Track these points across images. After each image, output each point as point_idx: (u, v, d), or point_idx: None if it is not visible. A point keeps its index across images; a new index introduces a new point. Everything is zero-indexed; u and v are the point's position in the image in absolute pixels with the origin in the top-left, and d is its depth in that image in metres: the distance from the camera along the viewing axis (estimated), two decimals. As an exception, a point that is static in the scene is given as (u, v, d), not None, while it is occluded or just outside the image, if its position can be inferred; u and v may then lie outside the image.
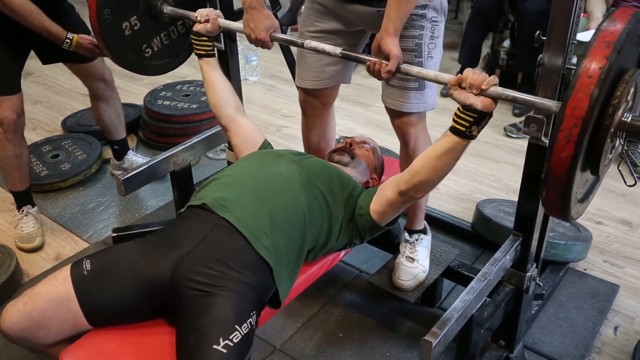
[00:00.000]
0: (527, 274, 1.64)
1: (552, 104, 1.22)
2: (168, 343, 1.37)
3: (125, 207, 2.67)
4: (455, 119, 1.32)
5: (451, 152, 1.36)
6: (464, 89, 1.29)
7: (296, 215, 1.51)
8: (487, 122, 1.31)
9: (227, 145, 2.36)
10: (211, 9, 1.84)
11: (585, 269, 2.24)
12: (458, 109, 1.31)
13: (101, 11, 1.83)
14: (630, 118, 1.12)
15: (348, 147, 1.87)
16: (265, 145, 1.84)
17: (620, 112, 1.10)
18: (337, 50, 1.54)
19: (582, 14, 1.31)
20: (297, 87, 1.94)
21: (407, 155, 1.75)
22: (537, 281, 1.69)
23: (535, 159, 1.46)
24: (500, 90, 1.26)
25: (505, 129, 3.20)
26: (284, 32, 2.36)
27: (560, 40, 1.27)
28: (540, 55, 1.31)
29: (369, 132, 3.22)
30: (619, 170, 1.26)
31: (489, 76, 1.28)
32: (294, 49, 1.95)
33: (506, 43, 3.77)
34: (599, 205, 2.56)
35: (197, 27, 1.82)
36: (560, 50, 1.27)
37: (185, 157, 2.17)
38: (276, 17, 2.34)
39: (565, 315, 2.02)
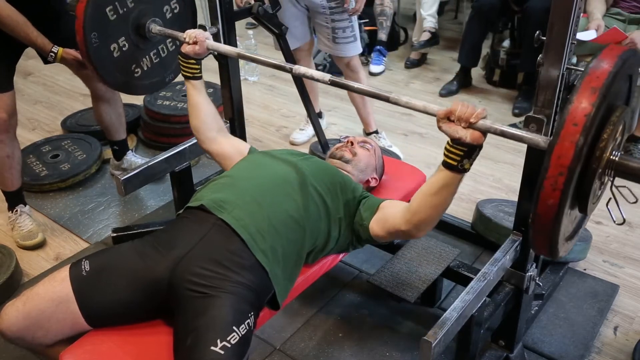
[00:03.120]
0: (527, 274, 1.63)
1: (540, 140, 1.21)
2: (168, 343, 1.37)
3: (125, 207, 2.67)
4: (446, 153, 1.30)
5: (447, 187, 1.35)
6: (453, 121, 1.27)
7: (294, 217, 1.51)
8: (477, 154, 1.30)
9: (227, 145, 2.36)
10: (200, 30, 1.81)
11: (585, 269, 2.24)
12: (448, 142, 1.30)
13: (88, 35, 1.84)
14: (618, 156, 1.10)
15: (349, 146, 1.87)
16: (252, 151, 1.82)
17: (608, 152, 1.08)
18: (326, 77, 1.56)
19: (581, 14, 1.31)
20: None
21: (354, 79, 2.80)
22: (537, 281, 1.69)
23: (534, 159, 1.46)
24: (488, 123, 1.25)
25: (505, 129, 3.20)
26: (283, 32, 2.37)
27: (560, 41, 1.27)
28: (540, 55, 1.31)
29: (368, 132, 3.22)
30: (608, 209, 1.24)
31: (478, 109, 1.26)
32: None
33: (506, 43, 3.76)
34: (598, 205, 2.55)
35: (185, 49, 1.79)
36: (559, 50, 1.27)
37: (185, 157, 2.16)
38: (276, 17, 2.35)
39: (565, 315, 2.02)
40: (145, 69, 2.08)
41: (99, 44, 1.88)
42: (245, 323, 1.32)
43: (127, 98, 2.63)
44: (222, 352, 1.23)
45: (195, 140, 2.19)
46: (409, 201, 1.49)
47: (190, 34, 1.79)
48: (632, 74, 1.20)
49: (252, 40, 4.02)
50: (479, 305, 1.49)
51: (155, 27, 1.96)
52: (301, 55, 2.87)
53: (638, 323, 2.01)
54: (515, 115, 3.38)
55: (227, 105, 2.21)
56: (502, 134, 1.25)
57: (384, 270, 1.95)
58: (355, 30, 2.74)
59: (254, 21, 2.36)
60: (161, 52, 2.11)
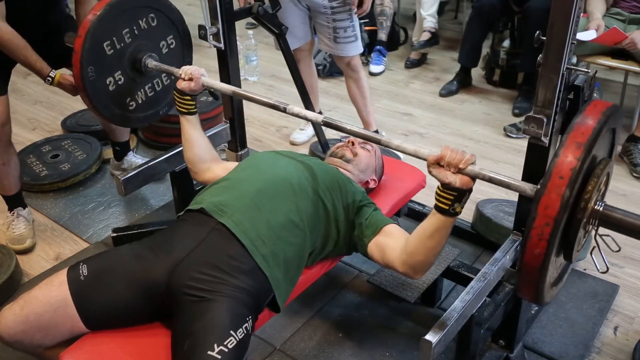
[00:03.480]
0: (527, 274, 1.63)
1: (527, 188, 1.23)
2: (168, 345, 1.37)
3: (125, 207, 2.67)
4: (437, 197, 1.32)
5: (440, 230, 1.37)
6: (443, 166, 1.29)
7: (294, 221, 1.50)
8: (467, 198, 1.32)
9: (226, 145, 2.37)
10: (195, 67, 1.82)
11: (585, 269, 2.24)
12: (438, 187, 1.32)
13: (85, 69, 1.86)
14: (602, 207, 1.15)
15: (351, 146, 1.88)
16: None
17: (592, 203, 1.13)
18: (320, 118, 1.57)
19: (581, 14, 1.31)
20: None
21: (355, 79, 2.88)
22: (537, 281, 1.69)
23: (535, 158, 1.46)
24: (477, 169, 1.27)
25: (505, 129, 3.19)
26: (283, 32, 2.37)
27: (560, 41, 1.27)
28: (540, 55, 1.31)
29: (368, 132, 3.22)
30: (592, 257, 1.27)
31: (467, 154, 1.28)
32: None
33: (506, 43, 3.77)
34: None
35: (180, 85, 1.79)
36: (559, 50, 1.27)
37: (185, 157, 2.16)
38: (276, 17, 2.35)
39: (565, 315, 2.02)
40: (140, 102, 2.10)
41: (95, 78, 1.90)
42: (243, 327, 1.31)
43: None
44: (220, 357, 1.23)
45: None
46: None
47: (186, 70, 1.79)
48: (615, 127, 1.26)
49: (252, 40, 4.01)
50: (479, 305, 1.49)
51: (152, 62, 1.98)
52: (302, 55, 2.87)
53: (638, 323, 2.01)
54: (515, 115, 3.38)
55: (227, 105, 2.21)
56: (490, 180, 1.28)
57: (384, 270, 1.95)
58: (356, 30, 2.75)
59: (254, 21, 2.36)
60: (156, 85, 2.13)
